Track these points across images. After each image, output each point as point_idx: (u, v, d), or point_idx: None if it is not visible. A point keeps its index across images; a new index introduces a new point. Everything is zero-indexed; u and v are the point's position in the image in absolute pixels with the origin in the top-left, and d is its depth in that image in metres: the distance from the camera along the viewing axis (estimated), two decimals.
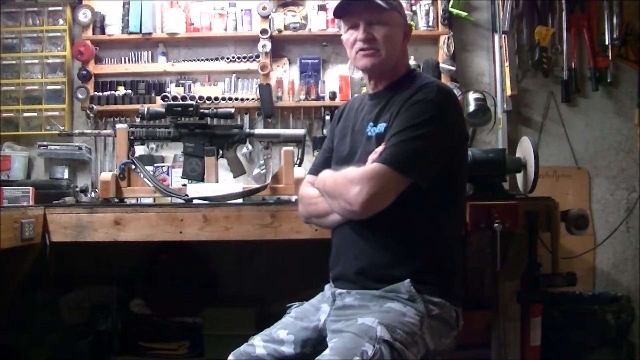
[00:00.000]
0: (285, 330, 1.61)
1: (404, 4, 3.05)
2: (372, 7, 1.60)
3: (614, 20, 3.09)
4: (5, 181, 2.84)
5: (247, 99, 3.11)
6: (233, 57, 3.15)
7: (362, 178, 1.47)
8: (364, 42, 1.62)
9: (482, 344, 2.52)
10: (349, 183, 1.49)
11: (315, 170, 1.75)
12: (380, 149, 1.52)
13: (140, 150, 2.88)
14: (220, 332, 2.73)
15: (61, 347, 2.74)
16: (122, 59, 3.19)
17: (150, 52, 3.20)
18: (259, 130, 2.78)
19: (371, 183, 1.46)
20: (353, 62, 1.69)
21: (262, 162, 3.11)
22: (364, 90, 1.76)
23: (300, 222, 2.08)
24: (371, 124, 1.63)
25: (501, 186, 2.41)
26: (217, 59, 3.17)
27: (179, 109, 2.37)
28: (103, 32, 3.16)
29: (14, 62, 3.18)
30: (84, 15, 3.11)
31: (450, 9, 3.07)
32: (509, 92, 3.00)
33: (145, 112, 2.39)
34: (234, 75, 3.18)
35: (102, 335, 2.89)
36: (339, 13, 1.69)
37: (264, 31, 3.08)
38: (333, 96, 3.10)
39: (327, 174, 1.63)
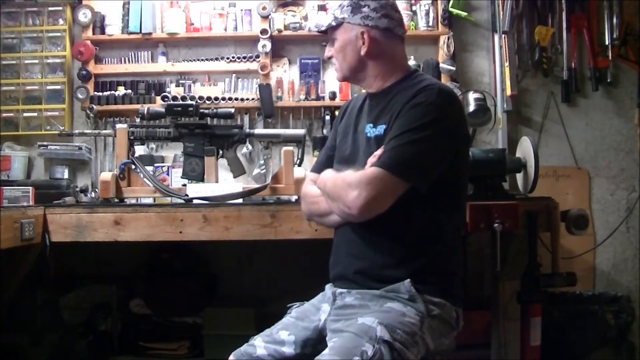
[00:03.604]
0: (286, 331, 1.61)
1: (404, 4, 3.06)
2: (322, 29, 1.69)
3: (614, 20, 3.09)
4: (5, 181, 2.84)
5: (247, 99, 3.11)
6: (233, 57, 3.15)
7: (361, 182, 1.47)
8: (329, 60, 1.75)
9: (482, 344, 2.52)
10: (348, 187, 1.49)
11: (318, 169, 1.76)
12: (379, 152, 1.52)
13: (140, 150, 2.87)
14: (220, 332, 2.73)
15: (61, 347, 2.74)
16: (122, 59, 3.19)
17: (150, 52, 3.20)
18: (259, 130, 2.78)
19: (369, 187, 1.46)
20: None
21: (262, 162, 3.11)
22: (364, 90, 1.76)
23: (300, 222, 2.09)
24: (370, 125, 1.63)
25: (501, 186, 2.40)
26: (217, 59, 3.17)
27: (179, 109, 2.37)
28: (103, 32, 3.16)
29: (14, 62, 3.17)
30: (84, 15, 3.11)
31: (450, 9, 3.07)
32: (509, 92, 3.00)
33: (145, 112, 2.39)
34: (234, 75, 3.18)
35: (102, 335, 2.89)
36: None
37: (264, 31, 3.08)
38: (333, 96, 3.10)
39: (327, 175, 1.63)
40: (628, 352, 2.88)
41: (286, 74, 3.18)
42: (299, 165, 2.40)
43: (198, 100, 2.70)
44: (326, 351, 1.42)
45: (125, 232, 2.13)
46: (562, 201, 2.32)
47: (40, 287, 2.70)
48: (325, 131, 3.05)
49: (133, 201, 2.53)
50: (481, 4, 3.19)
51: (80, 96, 3.11)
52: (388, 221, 1.50)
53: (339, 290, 1.61)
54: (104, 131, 2.67)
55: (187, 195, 2.30)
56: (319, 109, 3.13)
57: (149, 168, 2.59)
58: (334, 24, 1.66)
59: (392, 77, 1.66)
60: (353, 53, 1.65)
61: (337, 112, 1.93)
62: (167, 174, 2.66)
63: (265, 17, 3.10)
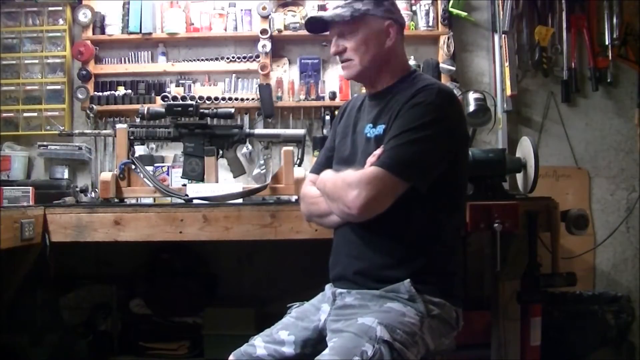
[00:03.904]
0: (286, 331, 1.61)
1: (404, 4, 3.06)
2: (337, 21, 1.61)
3: (614, 20, 3.09)
4: (5, 181, 2.84)
5: (247, 99, 3.11)
6: (233, 57, 3.15)
7: (360, 182, 1.47)
8: (336, 55, 1.66)
9: (482, 344, 2.52)
10: (347, 186, 1.49)
11: (317, 169, 1.76)
12: (378, 152, 1.52)
13: (140, 150, 2.88)
14: (220, 332, 2.73)
15: (61, 347, 2.74)
16: (122, 59, 3.19)
17: (150, 52, 3.20)
18: (259, 130, 2.78)
19: (369, 187, 1.46)
20: None
21: (262, 162, 3.11)
22: (364, 90, 1.75)
23: (300, 222, 2.09)
24: (370, 125, 1.63)
25: (501, 186, 2.40)
26: (217, 59, 3.17)
27: (179, 109, 2.37)
28: (103, 32, 3.16)
29: (14, 62, 3.18)
30: (84, 15, 3.11)
31: (450, 9, 3.07)
32: (509, 92, 3.00)
33: (145, 112, 2.39)
34: (234, 75, 3.18)
35: (102, 335, 2.89)
36: (309, 29, 1.71)
37: (264, 31, 3.08)
38: (333, 96, 3.10)
39: (327, 175, 1.63)
40: (628, 352, 2.88)
41: (286, 74, 3.18)
42: (299, 165, 2.40)
43: (198, 100, 2.70)
44: (326, 351, 1.42)
45: (125, 232, 2.13)
46: (562, 201, 2.32)
47: (40, 287, 2.70)
48: (325, 131, 3.05)
49: (133, 201, 2.53)
50: (481, 4, 3.19)
51: (80, 96, 3.11)
52: (388, 221, 1.50)
53: (339, 290, 1.61)
54: (104, 131, 2.67)
55: (187, 195, 2.30)
56: (319, 109, 3.13)
57: (149, 168, 2.59)
58: (356, 14, 1.59)
59: (395, 75, 1.65)
60: (377, 46, 1.61)
61: (337, 112, 1.92)
62: (167, 174, 2.66)
63: (265, 17, 3.10)
